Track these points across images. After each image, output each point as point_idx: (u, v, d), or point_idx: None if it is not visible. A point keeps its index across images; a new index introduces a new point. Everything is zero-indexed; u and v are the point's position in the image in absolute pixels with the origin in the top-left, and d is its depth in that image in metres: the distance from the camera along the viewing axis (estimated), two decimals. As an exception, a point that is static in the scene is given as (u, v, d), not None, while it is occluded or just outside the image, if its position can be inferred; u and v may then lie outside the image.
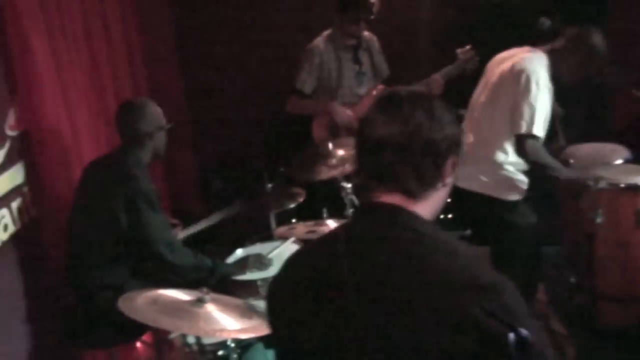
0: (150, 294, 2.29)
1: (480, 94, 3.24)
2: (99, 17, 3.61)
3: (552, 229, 3.66)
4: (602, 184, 3.26)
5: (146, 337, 3.06)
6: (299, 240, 3.24)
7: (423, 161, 1.30)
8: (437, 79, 3.81)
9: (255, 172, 4.54)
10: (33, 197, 2.85)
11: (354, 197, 3.38)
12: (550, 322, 3.54)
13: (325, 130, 3.96)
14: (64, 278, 2.89)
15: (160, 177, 4.26)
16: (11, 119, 2.71)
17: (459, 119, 3.48)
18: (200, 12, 4.74)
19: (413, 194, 1.32)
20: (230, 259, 3.18)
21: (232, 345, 2.36)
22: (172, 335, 2.72)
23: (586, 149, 3.74)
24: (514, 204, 3.14)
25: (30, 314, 2.76)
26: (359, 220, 1.38)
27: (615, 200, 3.31)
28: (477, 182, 3.11)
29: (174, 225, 3.30)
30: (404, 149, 1.29)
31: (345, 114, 3.91)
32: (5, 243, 2.62)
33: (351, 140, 3.57)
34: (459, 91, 3.36)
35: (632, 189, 3.28)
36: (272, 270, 3.02)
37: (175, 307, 2.21)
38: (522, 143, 2.97)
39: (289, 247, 3.23)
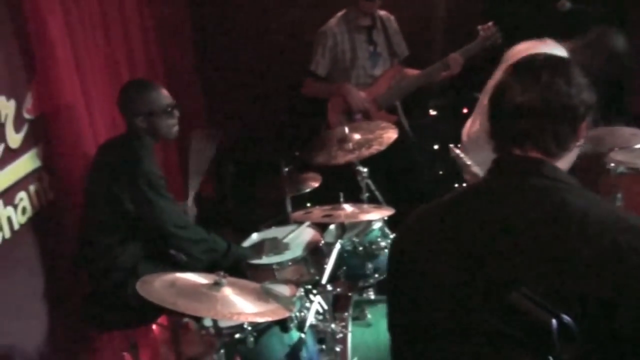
0: (168, 277, 2.29)
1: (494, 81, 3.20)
2: (114, -2, 3.60)
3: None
4: (621, 168, 3.22)
5: (162, 319, 3.08)
6: (314, 225, 3.24)
7: (561, 125, 1.38)
8: (457, 58, 3.76)
9: (270, 156, 4.55)
10: (50, 180, 2.86)
11: (369, 181, 3.37)
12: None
13: (340, 112, 3.94)
14: (78, 259, 2.91)
15: (174, 161, 4.26)
16: (29, 102, 2.71)
17: (475, 102, 3.46)
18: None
19: (552, 155, 1.40)
20: (246, 243, 3.18)
21: (249, 328, 2.37)
22: (188, 319, 2.73)
23: (606, 134, 3.68)
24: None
25: (49, 295, 2.78)
26: (498, 172, 1.45)
27: (634, 184, 3.26)
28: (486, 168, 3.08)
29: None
30: (543, 115, 1.37)
31: (358, 95, 3.88)
32: (23, 226, 2.64)
33: (366, 124, 3.57)
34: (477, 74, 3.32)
35: (651, 173, 3.23)
36: (288, 255, 3.02)
37: (193, 290, 2.21)
38: None
39: (305, 231, 3.23)
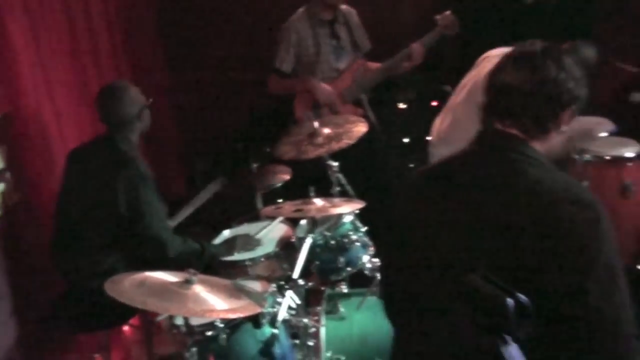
0: (137, 277, 2.26)
1: (466, 84, 3.22)
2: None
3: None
4: (587, 157, 3.27)
5: (134, 320, 3.05)
6: (285, 220, 3.23)
7: (543, 108, 1.48)
8: (417, 48, 3.75)
9: (240, 152, 4.53)
10: (16, 182, 2.81)
11: (340, 175, 3.37)
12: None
13: (307, 108, 3.93)
14: (51, 263, 2.87)
15: (144, 159, 4.22)
16: (-10, 103, 2.66)
17: (444, 95, 3.49)
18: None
19: (529, 133, 1.50)
20: (217, 240, 3.17)
21: (221, 325, 2.36)
22: (160, 318, 2.71)
23: (573, 123, 3.74)
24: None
25: (15, 297, 2.74)
26: (478, 143, 1.59)
27: (600, 173, 3.32)
28: None
29: None
30: (527, 96, 1.47)
31: (325, 90, 3.87)
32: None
33: (335, 118, 3.56)
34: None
35: (616, 160, 3.30)
36: (260, 251, 3.02)
37: (163, 289, 2.19)
38: None
39: (277, 227, 3.23)
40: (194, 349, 2.33)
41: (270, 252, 3.01)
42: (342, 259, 3.02)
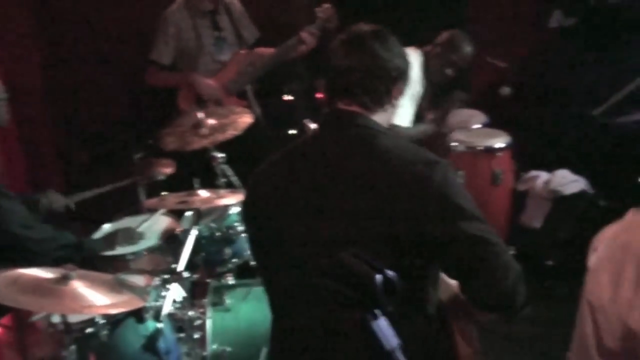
0: (10, 274, 2.14)
1: None
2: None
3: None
4: (461, 147, 3.45)
5: (5, 320, 2.89)
6: (170, 212, 3.18)
7: (377, 84, 1.63)
8: (307, 36, 3.76)
9: (122, 144, 4.38)
10: None
11: (225, 167, 3.35)
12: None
13: (192, 102, 3.86)
14: None
15: (18, 155, 4.00)
16: None
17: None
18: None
19: (368, 108, 1.64)
20: (98, 235, 3.06)
21: (102, 322, 2.29)
22: (36, 317, 2.58)
23: (451, 116, 3.92)
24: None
25: None
26: (325, 124, 1.70)
27: (473, 162, 3.52)
28: None
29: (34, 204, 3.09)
30: (362, 75, 1.61)
31: (207, 85, 3.82)
32: None
33: (220, 109, 3.53)
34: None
35: (488, 151, 3.51)
36: (143, 244, 2.95)
37: (38, 286, 2.08)
38: None
39: (160, 220, 3.16)
40: (73, 348, 2.24)
41: (153, 245, 2.95)
42: (228, 251, 3.02)
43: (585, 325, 1.45)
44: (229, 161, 3.33)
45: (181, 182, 3.12)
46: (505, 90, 3.78)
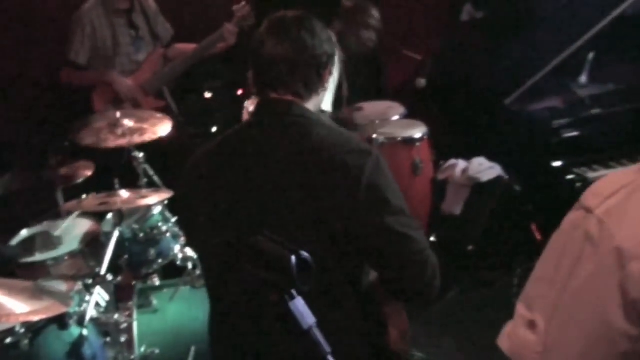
0: None
1: None
2: None
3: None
4: (381, 139, 3.52)
5: None
6: (90, 215, 3.10)
7: (309, 72, 1.63)
8: (230, 28, 3.72)
9: (37, 147, 4.22)
10: None
11: (147, 166, 3.29)
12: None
13: (108, 101, 3.77)
14: None
15: None
16: None
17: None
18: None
19: (301, 97, 1.65)
20: (15, 241, 2.96)
21: (22, 331, 2.21)
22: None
23: (367, 108, 4.00)
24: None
25: None
26: (258, 114, 1.69)
27: (394, 153, 3.59)
28: None
29: None
30: (293, 64, 1.61)
31: (125, 84, 3.74)
32: None
33: (139, 112, 3.45)
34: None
35: (407, 141, 3.59)
36: (63, 249, 2.87)
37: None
38: None
39: (80, 223, 3.09)
40: (-9, 360, 2.16)
41: (74, 249, 2.88)
42: (152, 251, 2.98)
43: (608, 277, 1.21)
44: (149, 160, 3.27)
45: (102, 184, 3.05)
46: (421, 82, 3.87)
